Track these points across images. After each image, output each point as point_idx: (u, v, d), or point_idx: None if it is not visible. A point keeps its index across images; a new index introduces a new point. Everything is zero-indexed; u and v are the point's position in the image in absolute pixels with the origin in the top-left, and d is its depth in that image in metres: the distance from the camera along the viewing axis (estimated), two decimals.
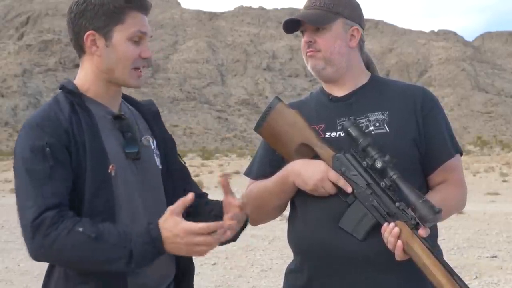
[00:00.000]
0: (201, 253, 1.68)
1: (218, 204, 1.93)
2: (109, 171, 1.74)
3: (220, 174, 1.87)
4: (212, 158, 57.89)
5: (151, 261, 1.68)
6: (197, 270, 2.10)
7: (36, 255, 1.66)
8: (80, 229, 1.62)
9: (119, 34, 1.79)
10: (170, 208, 1.66)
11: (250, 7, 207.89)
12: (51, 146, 1.69)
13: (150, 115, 2.00)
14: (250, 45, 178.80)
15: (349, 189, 1.92)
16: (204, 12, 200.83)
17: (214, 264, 8.33)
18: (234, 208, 1.77)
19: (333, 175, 1.93)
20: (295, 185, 1.99)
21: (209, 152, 69.43)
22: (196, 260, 2.03)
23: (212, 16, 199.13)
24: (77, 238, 1.62)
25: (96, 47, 1.81)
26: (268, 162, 2.16)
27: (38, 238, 1.62)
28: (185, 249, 1.65)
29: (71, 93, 1.81)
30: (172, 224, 1.64)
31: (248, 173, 2.24)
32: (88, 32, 1.80)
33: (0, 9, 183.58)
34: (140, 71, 1.84)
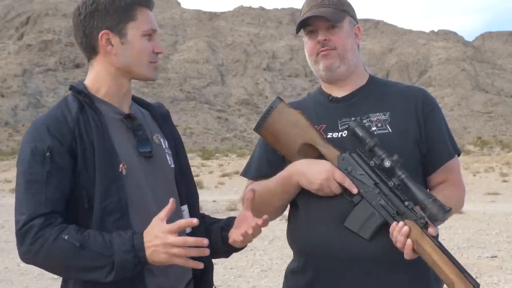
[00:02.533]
0: (179, 256, 1.65)
1: (225, 219, 2.01)
2: (120, 170, 1.75)
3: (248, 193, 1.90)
4: (212, 158, 57.91)
5: (132, 272, 1.67)
6: None
7: (25, 260, 1.71)
8: (66, 237, 1.65)
9: (133, 31, 1.81)
10: (156, 216, 1.68)
11: (250, 7, 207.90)
12: (51, 150, 1.71)
13: (160, 116, 2.02)
14: (250, 45, 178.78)
15: (354, 190, 1.90)
16: (204, 12, 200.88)
17: (214, 264, 8.32)
18: (255, 222, 1.83)
19: (339, 175, 1.91)
20: (299, 185, 1.97)
21: (209, 152, 69.44)
22: None
23: (212, 16, 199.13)
24: (62, 246, 1.64)
25: (111, 45, 1.81)
26: (266, 162, 2.14)
27: (25, 244, 1.67)
28: (163, 251, 1.64)
29: (81, 93, 1.81)
30: (154, 227, 1.66)
31: (245, 174, 2.22)
32: (102, 32, 1.80)
33: (0, 9, 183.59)
34: (155, 63, 1.89)
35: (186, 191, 1.95)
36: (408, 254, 1.81)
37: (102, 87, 1.85)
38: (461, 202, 2.12)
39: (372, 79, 2.16)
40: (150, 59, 1.85)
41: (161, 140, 1.94)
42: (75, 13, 1.84)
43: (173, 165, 1.94)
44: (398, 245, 1.82)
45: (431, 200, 1.78)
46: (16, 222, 1.71)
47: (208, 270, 1.98)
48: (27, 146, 1.74)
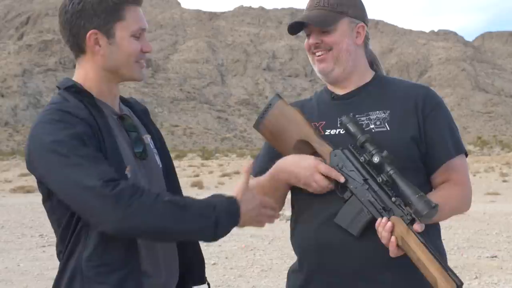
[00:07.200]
0: (263, 223, 1.82)
1: None
2: (126, 172, 1.71)
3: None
4: (212, 158, 57.89)
5: (227, 233, 1.70)
6: None
7: (119, 227, 1.60)
8: (166, 198, 1.63)
9: (122, 32, 1.77)
10: (241, 185, 1.75)
11: (250, 7, 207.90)
12: (85, 134, 1.65)
13: (142, 113, 1.99)
14: (250, 45, 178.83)
15: (341, 179, 1.90)
16: (204, 12, 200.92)
17: (214, 264, 8.30)
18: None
19: (324, 168, 1.91)
20: (287, 182, 1.99)
21: (209, 152, 69.41)
22: None
23: (212, 16, 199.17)
24: (165, 207, 1.61)
25: (99, 46, 1.76)
26: (269, 160, 2.13)
27: (120, 208, 1.57)
28: (255, 219, 1.78)
29: (81, 92, 1.75)
30: (251, 198, 1.74)
31: (252, 171, 2.19)
32: (90, 32, 1.74)
33: (0, 9, 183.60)
34: (142, 63, 1.85)
35: (173, 190, 1.93)
36: (393, 252, 1.81)
37: (93, 87, 1.80)
38: (463, 202, 2.10)
39: (376, 77, 2.14)
40: (137, 58, 1.81)
41: (149, 140, 1.93)
42: (61, 11, 1.77)
43: (161, 165, 1.93)
44: (383, 241, 1.82)
45: (417, 196, 1.78)
46: (89, 194, 1.58)
47: (194, 266, 1.97)
48: (57, 137, 1.63)
